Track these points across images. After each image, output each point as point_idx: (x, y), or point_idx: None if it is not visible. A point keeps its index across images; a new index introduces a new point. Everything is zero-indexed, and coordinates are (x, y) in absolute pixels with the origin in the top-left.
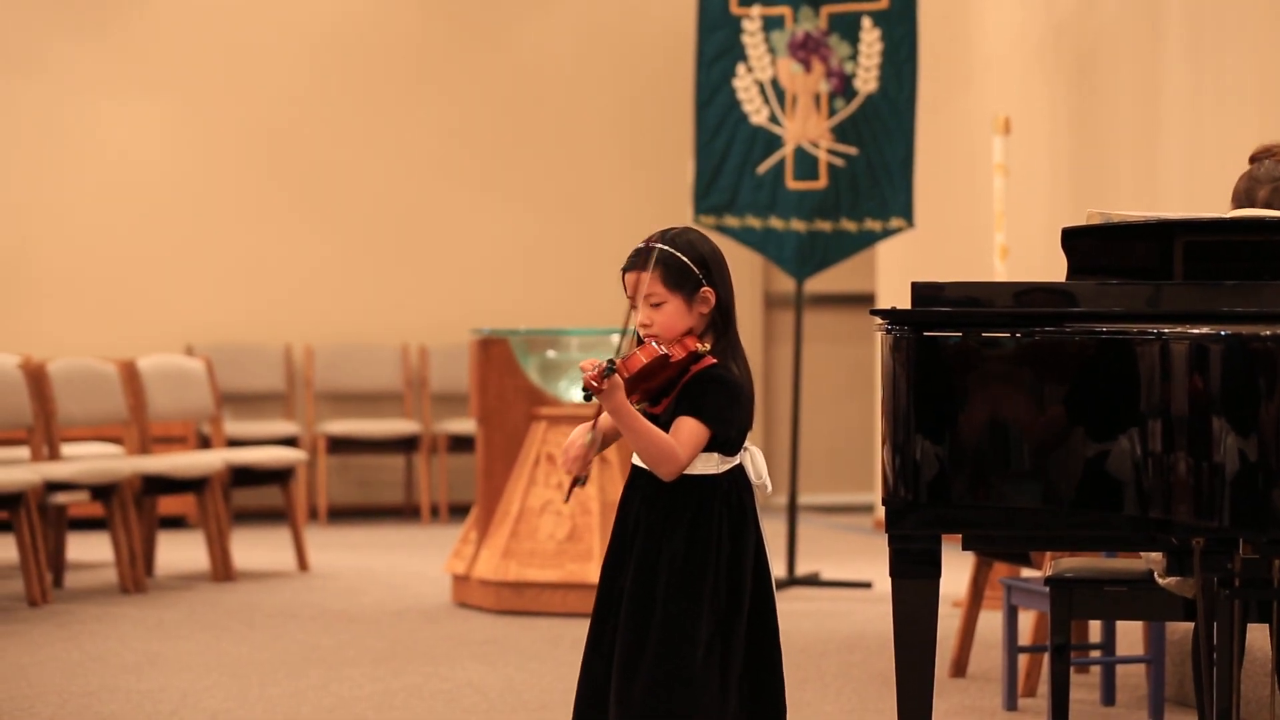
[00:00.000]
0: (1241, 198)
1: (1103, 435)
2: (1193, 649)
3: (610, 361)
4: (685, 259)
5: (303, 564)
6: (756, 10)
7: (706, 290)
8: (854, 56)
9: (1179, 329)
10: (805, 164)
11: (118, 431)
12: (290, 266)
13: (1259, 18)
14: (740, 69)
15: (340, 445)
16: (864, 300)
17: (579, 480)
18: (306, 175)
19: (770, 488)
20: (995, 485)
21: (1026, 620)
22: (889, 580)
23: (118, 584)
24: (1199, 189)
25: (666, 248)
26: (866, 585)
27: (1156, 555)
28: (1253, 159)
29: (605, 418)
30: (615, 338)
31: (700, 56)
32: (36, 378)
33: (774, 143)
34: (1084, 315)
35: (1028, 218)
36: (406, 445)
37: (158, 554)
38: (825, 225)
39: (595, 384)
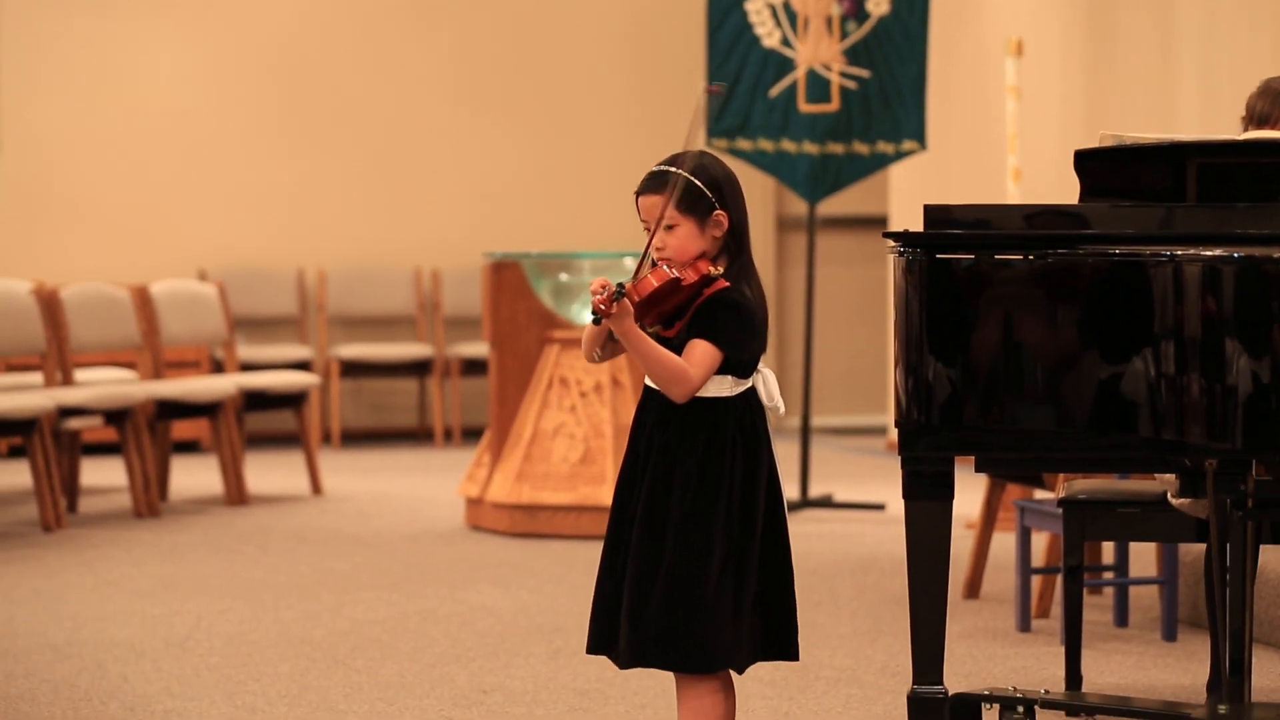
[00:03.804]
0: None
1: (1116, 358)
2: (1205, 570)
3: (620, 285)
4: (698, 182)
5: (316, 488)
6: None
7: (719, 214)
8: None
9: (1192, 251)
10: (817, 87)
11: (131, 356)
12: (303, 191)
13: None
14: None
15: (353, 369)
16: (876, 223)
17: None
18: (319, 100)
19: (783, 409)
20: (1008, 407)
21: (1040, 542)
22: (902, 502)
23: (131, 509)
24: (1213, 111)
25: (680, 171)
26: (880, 507)
27: (1169, 476)
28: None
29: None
30: (628, 260)
31: None
32: (49, 303)
33: (786, 66)
34: (1096, 237)
35: (1040, 140)
36: (419, 369)
37: (171, 478)
38: (838, 148)
39: (604, 307)
